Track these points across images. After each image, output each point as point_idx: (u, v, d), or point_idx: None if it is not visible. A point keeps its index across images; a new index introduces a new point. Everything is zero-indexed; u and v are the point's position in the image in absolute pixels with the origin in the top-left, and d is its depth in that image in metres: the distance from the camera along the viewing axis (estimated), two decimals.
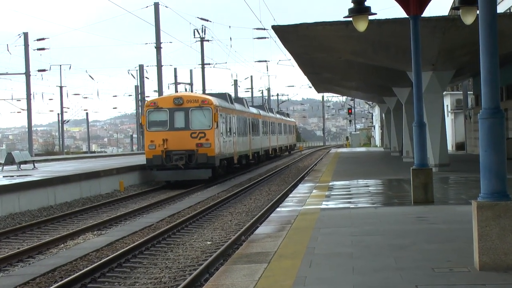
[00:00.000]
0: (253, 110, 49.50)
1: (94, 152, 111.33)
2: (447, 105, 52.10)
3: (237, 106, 41.20)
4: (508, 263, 7.57)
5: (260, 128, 50.27)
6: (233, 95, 61.54)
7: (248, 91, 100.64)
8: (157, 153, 32.21)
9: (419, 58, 15.22)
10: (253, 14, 47.35)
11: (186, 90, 69.41)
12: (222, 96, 39.02)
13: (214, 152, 32.56)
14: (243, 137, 41.56)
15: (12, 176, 27.21)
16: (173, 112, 32.78)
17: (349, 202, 15.74)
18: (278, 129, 63.55)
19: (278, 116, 66.52)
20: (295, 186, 26.27)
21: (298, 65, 33.22)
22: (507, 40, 22.10)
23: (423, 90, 17.19)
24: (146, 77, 75.30)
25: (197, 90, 70.14)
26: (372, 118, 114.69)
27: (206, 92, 60.38)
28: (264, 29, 61.30)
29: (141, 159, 41.54)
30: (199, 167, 32.22)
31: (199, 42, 63.62)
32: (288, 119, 77.58)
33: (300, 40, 24.28)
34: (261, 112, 53.31)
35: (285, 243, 10.33)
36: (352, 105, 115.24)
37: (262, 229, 12.31)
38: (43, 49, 66.66)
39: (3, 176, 27.03)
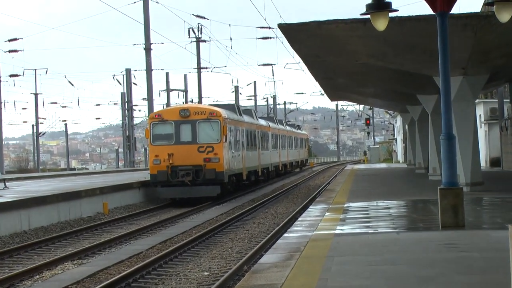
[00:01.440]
0: (262, 122, 50.40)
1: (74, 169, 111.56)
2: (480, 115, 52.13)
3: (246, 118, 42.21)
4: None
5: (269, 141, 51.08)
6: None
7: (251, 99, 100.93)
8: (162, 168, 33.37)
9: (448, 61, 15.24)
10: (257, 11, 47.86)
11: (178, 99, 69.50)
12: (231, 107, 40.37)
13: (223, 168, 33.62)
14: (252, 151, 42.54)
15: None
16: (179, 125, 33.99)
17: (367, 227, 15.73)
18: (289, 142, 64.24)
19: (288, 128, 67.25)
20: (305, 208, 26.27)
21: (308, 69, 33.30)
22: None
23: (452, 97, 17.20)
24: (134, 83, 75.48)
25: (193, 98, 70.23)
26: (394, 130, 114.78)
27: (203, 101, 60.73)
28: (269, 28, 61.55)
29: (128, 177, 41.60)
30: (207, 184, 33.30)
31: (195, 43, 63.99)
32: (299, 131, 78.30)
33: (310, 40, 24.34)
34: (271, 124, 54.16)
35: (293, 273, 10.33)
36: (371, 115, 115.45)
37: (267, 258, 12.31)
38: (15, 51, 67.13)
39: None
